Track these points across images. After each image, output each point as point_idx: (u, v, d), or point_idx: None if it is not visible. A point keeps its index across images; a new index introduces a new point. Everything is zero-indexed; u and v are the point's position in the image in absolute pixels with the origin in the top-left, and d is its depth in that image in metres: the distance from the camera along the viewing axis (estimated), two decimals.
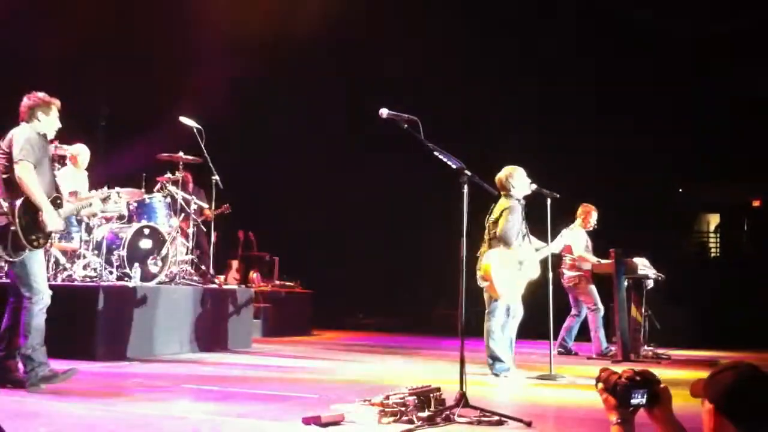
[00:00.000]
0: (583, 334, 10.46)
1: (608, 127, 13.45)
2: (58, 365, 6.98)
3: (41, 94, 6.11)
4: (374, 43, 13.32)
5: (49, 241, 6.07)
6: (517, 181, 7.64)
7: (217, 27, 12.81)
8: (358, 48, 13.49)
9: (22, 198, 5.78)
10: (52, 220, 5.83)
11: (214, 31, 12.81)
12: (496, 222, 7.51)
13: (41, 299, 5.84)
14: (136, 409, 5.20)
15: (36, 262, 5.88)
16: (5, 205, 5.79)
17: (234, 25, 12.74)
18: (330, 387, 6.57)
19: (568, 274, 10.24)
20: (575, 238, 9.95)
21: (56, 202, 5.99)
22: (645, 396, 2.60)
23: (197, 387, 6.11)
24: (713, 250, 17.24)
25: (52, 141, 8.96)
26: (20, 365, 5.86)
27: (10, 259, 5.77)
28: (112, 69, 12.62)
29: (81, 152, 9.66)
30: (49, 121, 6.13)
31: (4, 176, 5.90)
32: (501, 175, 7.69)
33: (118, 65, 12.72)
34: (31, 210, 5.80)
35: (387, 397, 4.96)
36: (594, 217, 10.34)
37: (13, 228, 5.71)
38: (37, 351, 5.81)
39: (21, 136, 5.90)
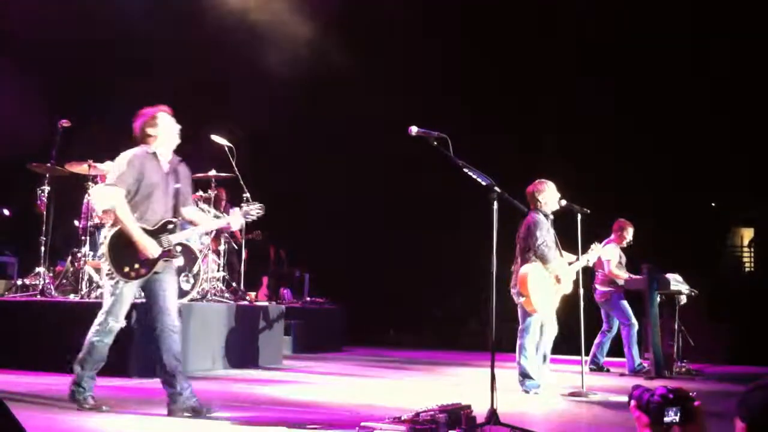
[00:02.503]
0: (616, 350, 10.36)
1: (640, 141, 13.38)
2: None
3: (145, 111, 5.82)
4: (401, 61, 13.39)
5: (152, 270, 5.58)
6: (547, 195, 7.62)
7: (244, 47, 12.95)
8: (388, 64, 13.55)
9: (118, 228, 5.57)
10: (146, 247, 5.51)
11: (244, 49, 12.94)
12: (525, 238, 7.50)
13: (111, 327, 5.60)
14: (168, 426, 5.23)
15: (125, 292, 5.59)
16: (106, 234, 5.66)
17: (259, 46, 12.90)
18: (360, 404, 6.57)
19: (600, 289, 10.16)
20: (609, 253, 9.89)
21: (166, 227, 5.66)
22: (678, 413, 2.57)
23: (228, 404, 6.13)
24: (747, 264, 17.04)
25: (85, 161, 9.20)
26: (164, 386, 5.58)
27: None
28: (147, 86, 12.79)
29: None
30: (160, 132, 5.75)
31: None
32: (531, 188, 7.69)
33: (153, 81, 12.89)
34: (127, 241, 5.53)
35: (417, 415, 4.94)
36: (630, 232, 10.22)
37: (105, 259, 5.59)
38: (81, 371, 5.61)
39: (120, 158, 5.67)
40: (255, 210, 6.03)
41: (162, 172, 5.72)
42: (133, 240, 5.49)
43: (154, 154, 5.71)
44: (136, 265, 5.52)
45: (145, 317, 5.88)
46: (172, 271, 5.76)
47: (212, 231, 9.85)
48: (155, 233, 5.61)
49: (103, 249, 5.62)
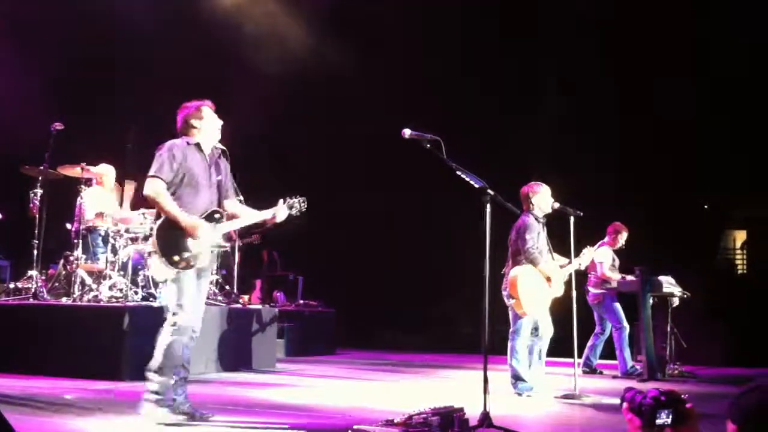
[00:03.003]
0: (608, 352, 10.38)
1: (632, 143, 13.40)
2: (83, 385, 7.08)
3: (190, 103, 5.78)
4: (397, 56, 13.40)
5: (200, 261, 5.45)
6: (540, 198, 7.65)
7: (243, 49, 12.97)
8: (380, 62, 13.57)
9: (163, 218, 5.46)
10: (195, 230, 5.39)
11: (241, 52, 12.96)
12: (515, 241, 7.54)
13: (183, 323, 5.40)
14: (163, 430, 5.22)
15: (187, 281, 5.43)
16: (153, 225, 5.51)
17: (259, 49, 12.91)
18: (353, 407, 6.57)
19: (593, 291, 10.19)
20: (602, 256, 9.93)
21: (213, 217, 5.58)
22: (671, 416, 2.57)
23: (222, 407, 6.12)
24: (740, 266, 17.08)
25: (78, 164, 9.18)
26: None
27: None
28: (139, 90, 12.80)
29: (107, 173, 9.78)
30: (204, 125, 5.71)
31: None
32: (526, 189, 7.72)
33: (145, 86, 12.90)
34: (173, 229, 5.41)
35: (410, 417, 4.94)
36: (624, 236, 10.29)
37: (154, 250, 5.43)
38: (159, 377, 5.30)
39: (161, 149, 5.58)
40: (299, 203, 5.95)
41: (205, 164, 5.65)
42: (179, 224, 5.36)
43: (197, 145, 5.65)
44: (185, 254, 5.38)
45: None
46: (209, 275, 5.69)
47: None
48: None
49: (152, 242, 5.50)
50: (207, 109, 5.74)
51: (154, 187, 5.40)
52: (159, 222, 5.48)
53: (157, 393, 5.27)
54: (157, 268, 5.49)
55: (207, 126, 5.70)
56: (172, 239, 5.38)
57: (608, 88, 13.52)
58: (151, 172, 5.44)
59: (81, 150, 9.72)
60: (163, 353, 5.32)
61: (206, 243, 5.47)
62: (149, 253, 5.39)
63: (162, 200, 5.40)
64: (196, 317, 5.53)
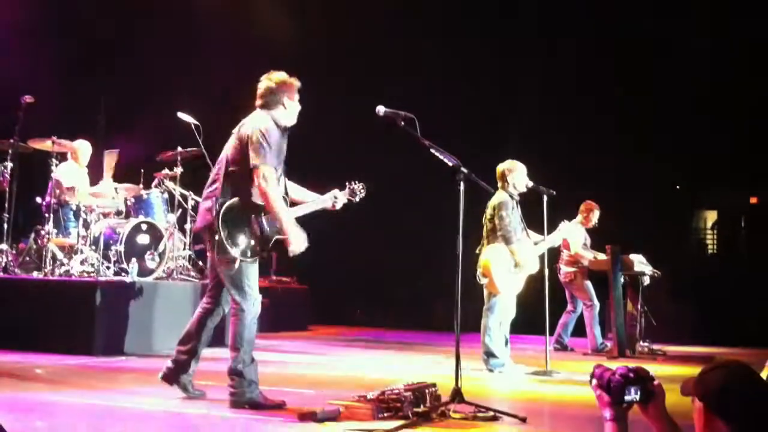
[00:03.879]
0: (579, 330, 10.48)
1: (606, 126, 13.44)
2: (55, 360, 7.05)
3: (283, 75, 5.33)
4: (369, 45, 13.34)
5: (264, 251, 5.23)
6: (516, 177, 7.70)
7: (218, 24, 12.86)
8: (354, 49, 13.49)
9: (234, 200, 5.12)
10: (297, 241, 5.09)
11: (215, 28, 12.85)
12: (491, 219, 7.58)
13: (253, 307, 5.22)
14: (133, 404, 5.21)
15: (252, 267, 5.20)
16: (215, 205, 5.10)
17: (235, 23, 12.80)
18: (326, 383, 6.59)
19: (564, 269, 10.27)
20: (573, 234, 10.00)
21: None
22: (639, 393, 2.61)
23: (195, 382, 6.11)
24: (710, 247, 17.26)
25: (48, 137, 9.07)
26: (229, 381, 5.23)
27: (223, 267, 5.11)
28: (111, 64, 12.65)
29: (82, 148, 9.68)
30: (291, 112, 5.33)
31: (230, 169, 5.20)
32: (502, 167, 7.77)
33: (117, 60, 12.76)
34: (244, 215, 5.13)
35: (383, 393, 4.98)
36: (596, 215, 10.38)
37: (216, 237, 5.06)
38: (249, 368, 5.18)
39: (258, 129, 5.11)
40: (360, 189, 5.75)
41: (283, 145, 5.36)
42: (283, 229, 5.06)
43: (285, 128, 5.33)
44: (253, 242, 5.14)
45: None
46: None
47: (179, 209, 9.79)
48: None
49: (218, 225, 5.06)
50: (293, 84, 5.37)
51: (266, 176, 5.02)
52: (228, 204, 5.11)
53: (248, 383, 5.19)
54: (220, 250, 5.10)
55: (294, 107, 5.37)
56: (240, 228, 5.12)
57: (574, 64, 13.54)
58: (259, 161, 5.03)
59: (52, 123, 9.60)
60: (246, 347, 5.24)
61: (271, 235, 5.22)
62: (210, 227, 5.03)
63: (272, 193, 5.04)
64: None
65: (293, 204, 5.50)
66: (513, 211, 7.62)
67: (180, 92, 11.51)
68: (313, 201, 5.61)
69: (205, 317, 5.48)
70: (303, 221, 5.44)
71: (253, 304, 5.23)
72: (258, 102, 5.35)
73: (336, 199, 5.64)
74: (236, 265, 5.11)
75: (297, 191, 5.64)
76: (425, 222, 13.46)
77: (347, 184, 5.75)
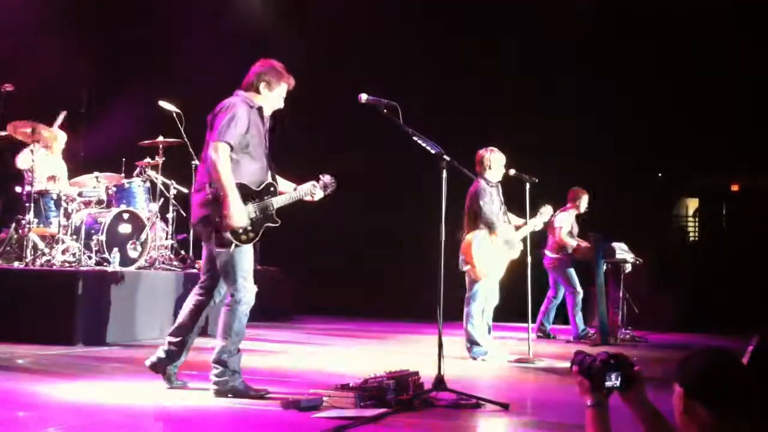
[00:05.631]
0: (562, 317, 10.52)
1: (589, 111, 13.44)
2: (36, 350, 7.01)
3: (276, 64, 5.37)
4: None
5: (257, 236, 5.24)
6: (494, 163, 7.72)
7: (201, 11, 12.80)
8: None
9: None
10: (234, 213, 4.99)
11: (201, 15, 12.79)
12: (470, 208, 7.60)
13: (246, 297, 5.21)
14: (115, 394, 5.20)
15: (245, 255, 5.19)
16: (209, 190, 5.10)
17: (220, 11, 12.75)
18: (309, 371, 6.60)
19: (549, 255, 10.26)
20: (562, 221, 10.01)
21: (269, 190, 5.33)
22: (619, 379, 2.62)
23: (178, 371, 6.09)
24: (692, 234, 17.35)
25: (29, 124, 8.98)
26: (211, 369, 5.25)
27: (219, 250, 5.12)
28: (92, 53, 12.56)
29: (57, 137, 9.57)
30: (271, 98, 5.34)
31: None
32: (482, 153, 7.77)
33: (98, 49, 12.67)
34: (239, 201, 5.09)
35: (366, 381, 4.99)
36: (584, 200, 10.32)
37: (217, 219, 5.05)
38: (234, 357, 5.19)
39: (224, 107, 5.17)
40: (331, 182, 5.72)
41: (265, 130, 5.35)
42: (225, 201, 4.98)
43: (260, 109, 5.30)
44: (249, 229, 5.16)
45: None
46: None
47: (161, 198, 9.75)
48: (259, 195, 5.26)
49: (212, 213, 5.09)
50: (285, 87, 5.39)
51: (219, 152, 4.99)
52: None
53: (231, 372, 5.21)
54: (218, 237, 5.14)
55: (273, 98, 5.37)
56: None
57: (567, 55, 13.54)
58: (216, 136, 5.04)
59: (32, 112, 9.52)
60: (235, 338, 5.23)
61: (262, 221, 5.26)
62: (208, 216, 5.04)
63: (222, 169, 4.99)
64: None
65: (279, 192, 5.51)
66: (491, 197, 7.62)
67: (162, 80, 11.45)
68: (293, 192, 5.62)
69: (199, 310, 5.44)
70: (287, 211, 5.44)
71: (248, 294, 5.23)
72: (243, 83, 5.37)
73: (314, 190, 5.67)
74: (231, 249, 5.10)
75: (281, 181, 5.64)
76: (410, 208, 13.43)
77: (319, 176, 5.74)
